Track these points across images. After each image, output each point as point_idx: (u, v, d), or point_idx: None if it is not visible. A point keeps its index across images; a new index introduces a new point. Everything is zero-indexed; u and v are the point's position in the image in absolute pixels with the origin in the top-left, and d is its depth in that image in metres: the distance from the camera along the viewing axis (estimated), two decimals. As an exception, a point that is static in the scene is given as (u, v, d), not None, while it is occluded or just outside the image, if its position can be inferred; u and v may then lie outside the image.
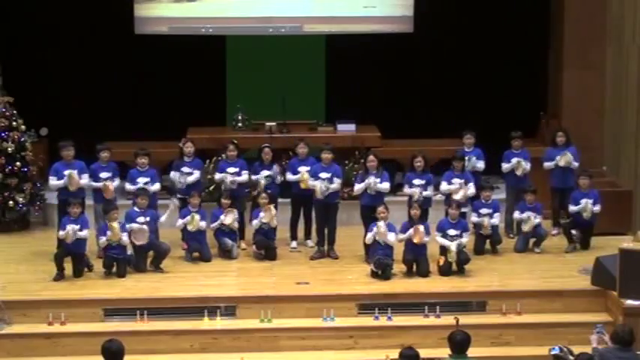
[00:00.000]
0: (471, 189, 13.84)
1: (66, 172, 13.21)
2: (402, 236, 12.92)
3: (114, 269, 12.90)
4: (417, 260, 12.95)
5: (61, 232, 12.73)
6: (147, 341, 11.76)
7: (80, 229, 12.72)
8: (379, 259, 12.77)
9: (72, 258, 12.84)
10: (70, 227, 12.64)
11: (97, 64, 16.14)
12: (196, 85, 16.31)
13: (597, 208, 13.78)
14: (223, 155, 14.10)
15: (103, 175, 13.56)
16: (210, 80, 16.51)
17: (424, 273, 12.88)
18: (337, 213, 13.71)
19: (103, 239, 12.85)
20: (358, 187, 13.49)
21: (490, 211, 13.76)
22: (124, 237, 12.87)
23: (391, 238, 12.81)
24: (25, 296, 12.26)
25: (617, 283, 11.98)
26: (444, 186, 13.94)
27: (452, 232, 13.00)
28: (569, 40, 15.79)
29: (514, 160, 14.32)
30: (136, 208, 13.16)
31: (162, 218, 13.30)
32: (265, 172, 13.91)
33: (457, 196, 13.56)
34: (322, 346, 11.93)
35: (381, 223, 12.81)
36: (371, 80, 16.44)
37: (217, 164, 14.36)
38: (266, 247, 13.58)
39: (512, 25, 16.30)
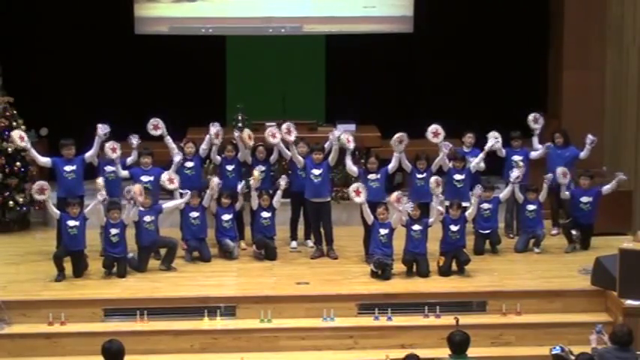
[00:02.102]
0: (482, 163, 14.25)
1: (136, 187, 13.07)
2: (395, 219, 12.91)
3: (114, 269, 12.90)
4: (416, 260, 12.95)
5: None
6: (147, 341, 11.76)
7: None
8: (379, 260, 12.76)
9: (71, 258, 12.84)
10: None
11: (97, 64, 16.14)
12: (196, 85, 16.32)
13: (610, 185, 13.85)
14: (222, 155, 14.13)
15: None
16: (210, 80, 16.50)
17: (424, 273, 12.88)
18: (330, 212, 13.71)
19: (102, 193, 12.86)
20: (351, 167, 13.60)
21: (491, 206, 13.81)
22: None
23: (361, 197, 12.91)
24: (25, 296, 12.26)
25: (616, 283, 11.98)
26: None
27: (453, 227, 13.02)
28: (569, 40, 15.79)
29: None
30: (140, 207, 13.15)
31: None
32: (261, 167, 13.90)
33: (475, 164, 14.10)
34: (322, 346, 11.92)
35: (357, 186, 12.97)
36: (371, 80, 16.44)
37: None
38: (266, 247, 13.59)
39: (512, 25, 16.30)
